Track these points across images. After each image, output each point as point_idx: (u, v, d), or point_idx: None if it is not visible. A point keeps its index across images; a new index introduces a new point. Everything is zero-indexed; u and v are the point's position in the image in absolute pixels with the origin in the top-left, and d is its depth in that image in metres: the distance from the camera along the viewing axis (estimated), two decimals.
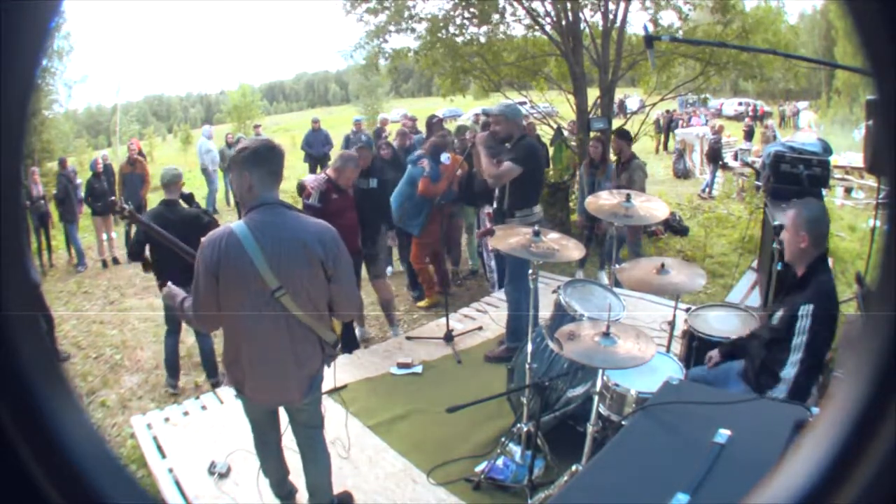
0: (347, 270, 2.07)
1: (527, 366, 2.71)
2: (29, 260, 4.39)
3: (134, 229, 3.47)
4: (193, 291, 1.99)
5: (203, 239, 1.99)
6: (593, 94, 7.21)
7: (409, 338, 4.32)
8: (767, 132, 12.45)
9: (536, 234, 2.67)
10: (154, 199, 9.02)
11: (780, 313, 2.32)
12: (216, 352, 3.99)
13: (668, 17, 7.36)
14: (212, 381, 4.01)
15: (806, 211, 2.28)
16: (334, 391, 2.88)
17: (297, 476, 2.41)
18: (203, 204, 10.66)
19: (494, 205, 3.88)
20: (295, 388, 2.10)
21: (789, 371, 2.20)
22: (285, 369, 2.05)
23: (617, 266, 3.33)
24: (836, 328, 2.34)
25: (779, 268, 3.63)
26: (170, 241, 2.84)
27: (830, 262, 4.89)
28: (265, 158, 1.98)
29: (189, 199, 3.80)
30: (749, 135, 13.99)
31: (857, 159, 9.33)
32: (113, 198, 3.06)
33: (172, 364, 4.09)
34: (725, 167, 11.10)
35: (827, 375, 3.12)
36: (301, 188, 4.17)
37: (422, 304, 5.30)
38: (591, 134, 6.54)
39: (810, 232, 2.23)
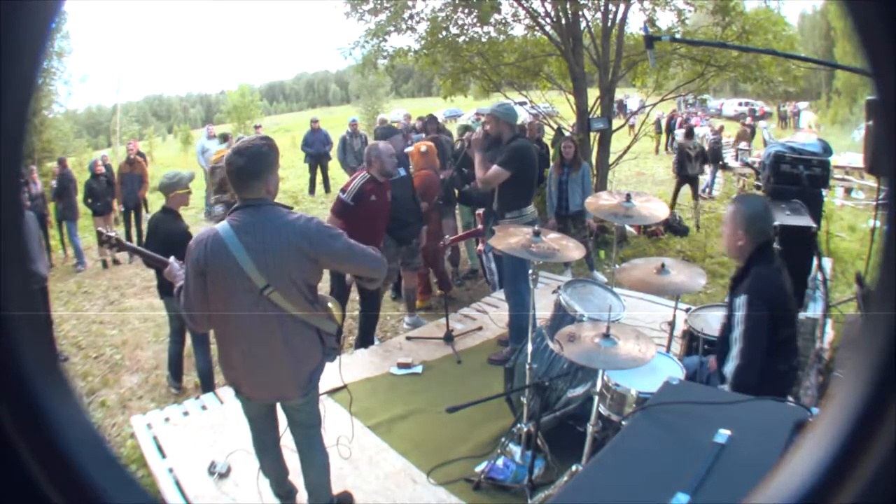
0: (343, 248, 2.03)
1: (527, 366, 2.71)
2: (38, 256, 4.36)
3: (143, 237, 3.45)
4: (184, 291, 2.02)
5: (191, 241, 2.03)
6: (593, 94, 7.20)
7: (409, 338, 4.32)
8: (748, 130, 12.54)
9: (536, 234, 2.67)
10: (153, 199, 9.05)
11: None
12: (213, 374, 3.80)
13: (667, 20, 7.36)
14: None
15: (744, 207, 2.24)
16: (335, 391, 2.88)
17: (296, 476, 2.41)
18: (201, 204, 10.64)
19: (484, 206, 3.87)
20: (292, 383, 2.10)
21: (729, 366, 2.14)
22: (281, 365, 2.05)
23: (617, 266, 3.33)
24: (788, 314, 2.19)
25: None
26: (156, 261, 2.76)
27: (830, 262, 4.93)
28: (229, 162, 1.98)
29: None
30: (750, 135, 14.02)
31: (857, 159, 9.33)
32: (99, 229, 3.04)
33: (176, 371, 4.07)
34: (725, 167, 11.10)
35: (827, 375, 3.13)
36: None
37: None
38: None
39: (748, 230, 2.19)
